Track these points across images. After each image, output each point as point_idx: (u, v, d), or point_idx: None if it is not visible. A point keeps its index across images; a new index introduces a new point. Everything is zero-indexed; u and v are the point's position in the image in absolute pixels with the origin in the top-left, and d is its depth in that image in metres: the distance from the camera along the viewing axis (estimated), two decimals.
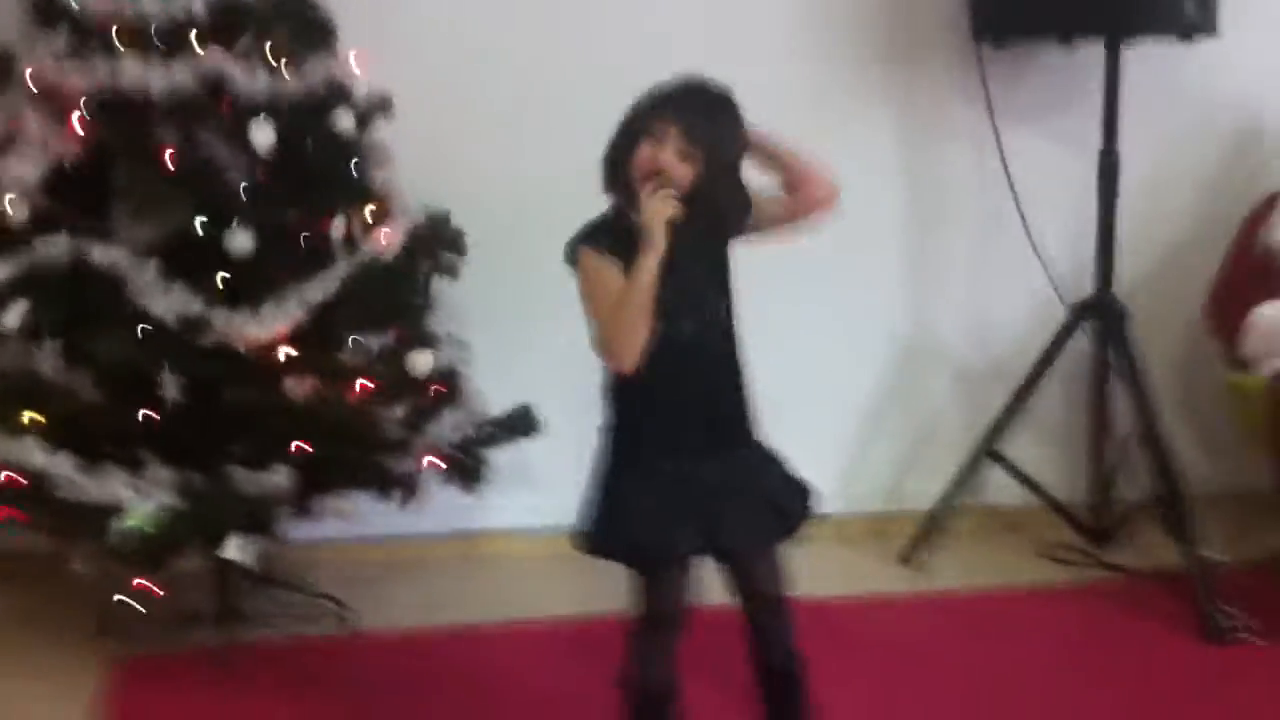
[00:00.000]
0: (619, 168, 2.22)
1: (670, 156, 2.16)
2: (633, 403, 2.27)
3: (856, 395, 3.67)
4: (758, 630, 2.39)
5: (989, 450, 3.48)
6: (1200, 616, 3.07)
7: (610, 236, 2.21)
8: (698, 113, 2.18)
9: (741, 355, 2.33)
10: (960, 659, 3.00)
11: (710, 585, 2.35)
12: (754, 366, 2.35)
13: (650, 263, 2.14)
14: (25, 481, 2.70)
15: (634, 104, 2.24)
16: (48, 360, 2.71)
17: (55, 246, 2.70)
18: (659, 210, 2.14)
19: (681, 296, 2.21)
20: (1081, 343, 3.48)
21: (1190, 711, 2.81)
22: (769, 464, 2.35)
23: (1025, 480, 3.53)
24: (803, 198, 2.32)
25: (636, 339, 2.17)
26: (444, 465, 3.01)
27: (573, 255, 2.24)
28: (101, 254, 2.69)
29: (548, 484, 3.48)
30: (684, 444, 2.26)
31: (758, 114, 2.26)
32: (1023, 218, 3.50)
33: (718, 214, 2.22)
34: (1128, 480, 3.57)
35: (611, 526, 2.27)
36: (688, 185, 2.17)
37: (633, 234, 2.18)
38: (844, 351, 3.61)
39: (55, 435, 2.72)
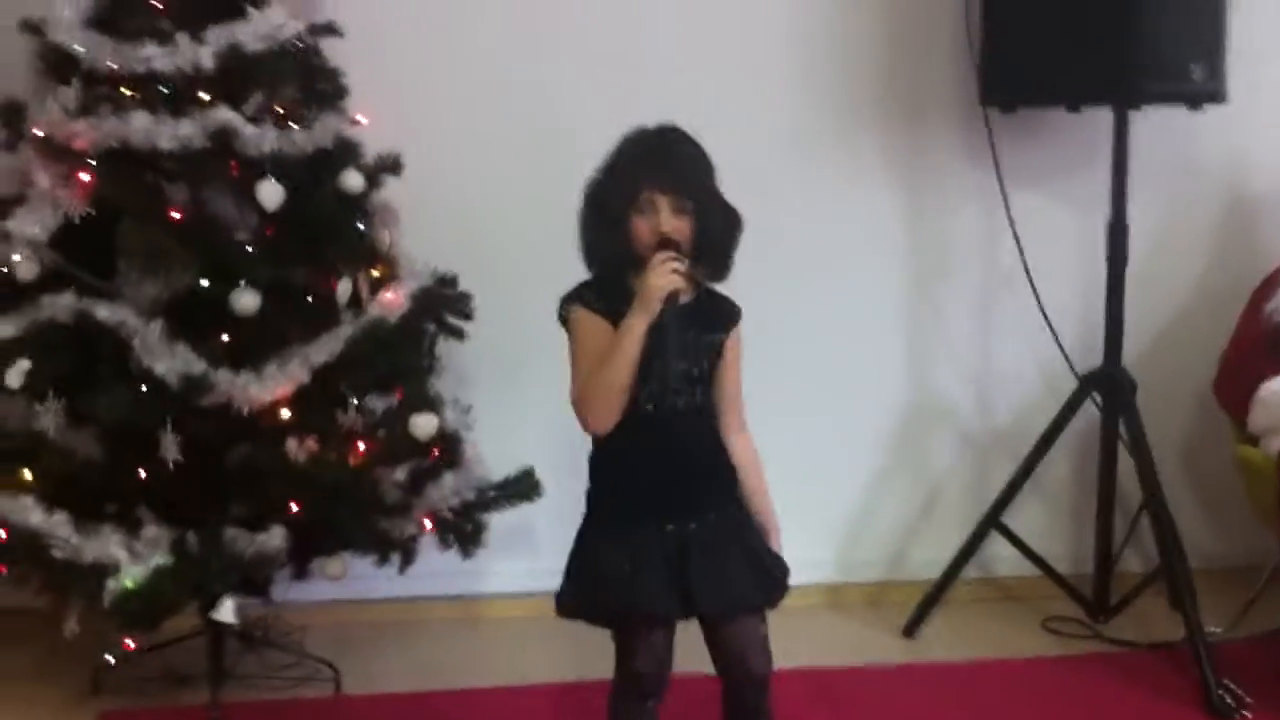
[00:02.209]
0: (613, 253, 2.25)
1: (669, 221, 2.21)
2: (614, 468, 2.31)
3: (859, 462, 3.64)
4: (734, 702, 2.40)
5: (994, 522, 3.45)
6: (1201, 691, 3.05)
7: (602, 296, 2.26)
8: (671, 168, 2.23)
9: (719, 433, 2.35)
10: None
11: (693, 652, 2.35)
12: (755, 428, 2.36)
13: (640, 325, 2.20)
14: (21, 540, 2.67)
15: (595, 188, 2.27)
16: (49, 418, 2.69)
17: (60, 304, 2.69)
18: (664, 279, 2.19)
19: (672, 372, 2.24)
20: (1089, 412, 3.46)
21: None
22: (751, 528, 2.34)
23: (1029, 553, 3.50)
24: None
25: (614, 400, 2.22)
26: (442, 529, 2.98)
27: (564, 312, 2.30)
28: (106, 312, 2.68)
29: (546, 548, 3.43)
30: (662, 506, 2.28)
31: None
32: (1031, 282, 3.48)
33: (722, 240, 2.26)
34: (1133, 553, 3.55)
35: (586, 588, 2.31)
36: (690, 233, 2.22)
37: (624, 294, 2.22)
38: (846, 416, 3.58)
39: (53, 494, 2.70)
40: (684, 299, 2.27)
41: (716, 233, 2.25)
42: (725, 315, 2.34)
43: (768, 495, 2.39)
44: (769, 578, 2.31)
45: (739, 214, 2.29)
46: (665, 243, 2.20)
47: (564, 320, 2.30)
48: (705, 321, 2.30)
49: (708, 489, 2.31)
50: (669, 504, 2.27)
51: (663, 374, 2.22)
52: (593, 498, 2.35)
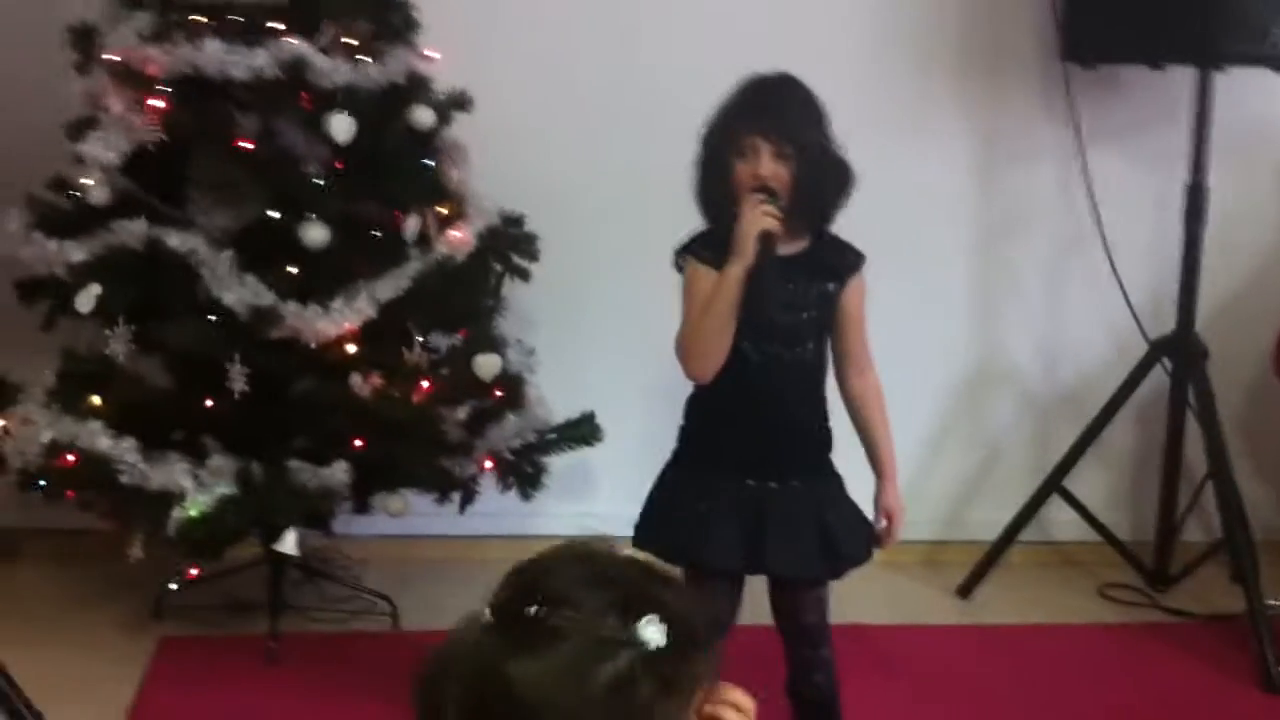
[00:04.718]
0: (717, 197, 2.24)
1: (768, 166, 2.19)
2: (709, 413, 2.31)
3: (919, 417, 3.59)
4: (794, 657, 2.40)
5: (1056, 486, 3.41)
6: (1259, 665, 3.01)
7: (712, 246, 2.25)
8: (774, 113, 2.21)
9: (823, 391, 2.33)
10: (1009, 695, 2.96)
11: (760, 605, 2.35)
12: None
13: (736, 271, 2.18)
14: (89, 465, 2.70)
15: (706, 133, 2.26)
16: (118, 345, 2.71)
17: (132, 230, 2.69)
18: (755, 222, 2.17)
19: (777, 323, 2.23)
20: (1157, 375, 3.41)
21: None
22: (835, 500, 2.32)
23: (1090, 518, 3.46)
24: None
25: (713, 347, 2.21)
26: (502, 470, 2.99)
27: (678, 262, 2.30)
28: (177, 240, 2.68)
29: (604, 493, 3.47)
30: (750, 463, 2.27)
31: (837, 123, 2.27)
32: (1105, 243, 3.42)
33: (827, 190, 2.24)
34: (1195, 523, 3.50)
35: (661, 525, 2.31)
36: (790, 180, 2.20)
37: (730, 244, 2.20)
38: (909, 371, 3.47)
39: (121, 420, 2.72)
40: (791, 249, 2.25)
41: (817, 182, 2.22)
42: (842, 264, 2.30)
43: (887, 436, 2.37)
44: (838, 555, 2.30)
45: (849, 167, 2.26)
46: (760, 188, 2.19)
47: (678, 268, 2.31)
48: (816, 270, 2.27)
49: (795, 452, 2.30)
50: (753, 460, 2.26)
51: (758, 323, 2.20)
52: (683, 437, 2.35)
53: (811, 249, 2.29)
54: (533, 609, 1.17)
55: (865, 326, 2.36)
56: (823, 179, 2.23)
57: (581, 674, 1.15)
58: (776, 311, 2.21)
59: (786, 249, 2.25)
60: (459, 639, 1.20)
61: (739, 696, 1.26)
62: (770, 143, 2.19)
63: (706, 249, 2.25)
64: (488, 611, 1.19)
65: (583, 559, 1.22)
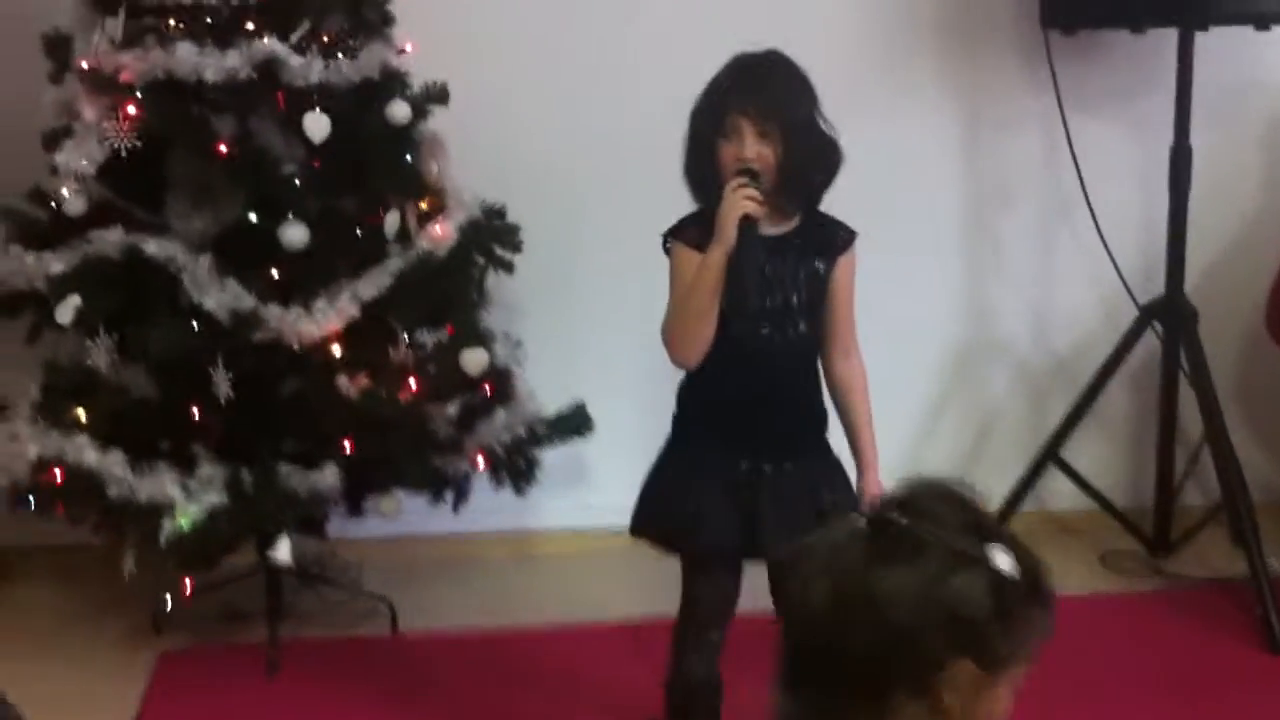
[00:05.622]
0: (704, 178, 2.22)
1: (751, 147, 2.17)
2: (702, 397, 2.29)
3: (913, 392, 3.59)
4: None
5: (1053, 456, 3.40)
6: (1264, 628, 3.00)
7: (701, 229, 2.22)
8: (756, 92, 2.18)
9: (817, 371, 2.31)
10: None
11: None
12: None
13: (716, 255, 2.16)
14: (77, 480, 2.67)
15: (694, 112, 2.24)
16: (101, 355, 2.69)
17: (110, 239, 2.67)
18: (735, 205, 2.15)
19: (766, 303, 2.21)
20: (1149, 340, 3.39)
21: None
22: (831, 480, 2.31)
23: (1087, 488, 3.45)
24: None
25: (695, 333, 2.19)
26: (495, 466, 2.97)
27: (665, 245, 2.28)
28: (155, 247, 2.65)
29: (599, 483, 3.46)
30: (744, 447, 2.25)
31: (823, 103, 2.24)
32: (1091, 210, 3.40)
33: (812, 170, 2.22)
34: (1194, 487, 3.49)
35: (658, 512, 2.30)
36: (774, 160, 2.17)
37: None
38: (902, 344, 3.50)
39: (106, 431, 2.70)
40: (780, 228, 2.23)
41: (802, 161, 2.19)
42: (832, 243, 2.28)
43: (869, 423, 2.35)
44: None
45: (836, 146, 2.23)
46: (744, 170, 2.16)
47: (668, 254, 2.28)
48: (806, 250, 2.25)
49: (789, 434, 2.28)
50: (747, 443, 2.25)
51: (745, 306, 2.18)
52: (676, 423, 2.34)
53: (801, 228, 2.26)
54: (901, 519, 1.30)
55: (853, 306, 2.33)
56: (808, 159, 2.20)
57: (933, 582, 1.27)
58: (759, 295, 2.19)
59: (775, 229, 2.23)
60: (835, 540, 1.33)
61: None
62: (753, 122, 2.16)
63: (693, 231, 2.23)
64: (862, 520, 1.33)
65: (949, 488, 1.37)
